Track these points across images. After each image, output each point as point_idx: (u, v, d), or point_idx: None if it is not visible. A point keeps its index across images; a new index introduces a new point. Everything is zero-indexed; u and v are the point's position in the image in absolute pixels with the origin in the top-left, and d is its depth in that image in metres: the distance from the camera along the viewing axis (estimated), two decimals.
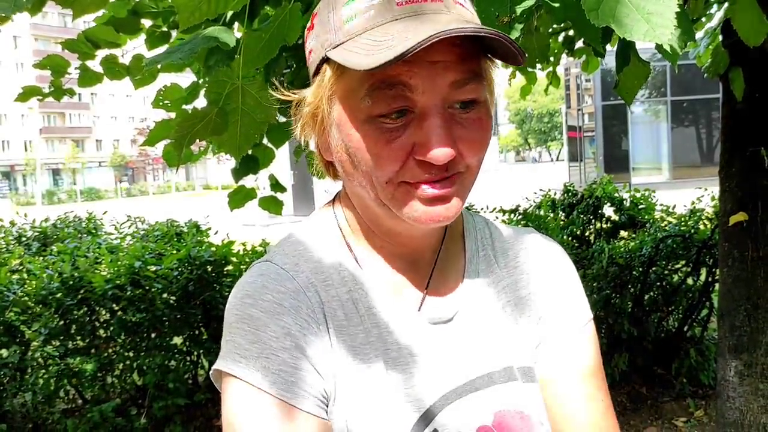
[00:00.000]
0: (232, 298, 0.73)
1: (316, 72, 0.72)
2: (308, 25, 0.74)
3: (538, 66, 3.82)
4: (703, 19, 3.80)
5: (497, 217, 4.37)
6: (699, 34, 4.17)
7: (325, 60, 0.69)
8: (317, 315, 0.72)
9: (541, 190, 4.75)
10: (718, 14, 3.84)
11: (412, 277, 0.79)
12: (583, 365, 0.82)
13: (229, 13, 1.59)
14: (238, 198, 2.31)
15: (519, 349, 0.80)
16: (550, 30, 2.87)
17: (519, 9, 0.88)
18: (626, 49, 1.14)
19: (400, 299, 0.77)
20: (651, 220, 4.19)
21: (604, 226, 4.30)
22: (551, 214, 4.31)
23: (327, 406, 0.71)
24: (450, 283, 0.80)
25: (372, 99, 0.65)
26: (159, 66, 1.83)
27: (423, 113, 0.66)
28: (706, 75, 2.50)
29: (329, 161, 0.77)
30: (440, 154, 0.65)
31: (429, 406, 0.72)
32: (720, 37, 2.47)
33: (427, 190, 0.68)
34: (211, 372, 0.73)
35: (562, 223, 4.22)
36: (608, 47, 1.61)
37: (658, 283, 3.95)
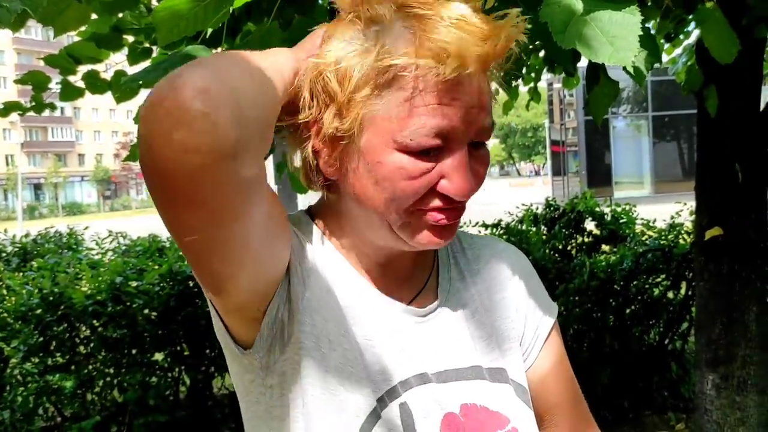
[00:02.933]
0: None
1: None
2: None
3: (520, 81, 3.87)
4: (681, 36, 3.87)
5: (479, 231, 4.39)
6: (677, 51, 4.25)
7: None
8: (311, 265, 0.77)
9: (523, 204, 4.78)
10: (695, 32, 3.91)
11: (390, 280, 0.83)
12: (560, 353, 0.92)
13: (209, 31, 1.60)
14: None
15: (489, 351, 0.84)
16: (531, 47, 2.91)
17: None
18: (595, 69, 1.17)
19: (381, 293, 0.81)
20: (632, 234, 4.23)
21: (586, 240, 4.33)
22: (533, 229, 4.34)
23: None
24: (425, 288, 0.85)
25: (416, 138, 0.68)
26: (140, 82, 1.84)
27: (453, 152, 0.71)
28: (683, 91, 2.55)
29: (329, 188, 0.79)
30: (466, 191, 0.71)
31: (403, 379, 0.76)
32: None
33: (440, 219, 0.73)
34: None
35: (544, 237, 4.25)
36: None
37: (639, 297, 3.98)
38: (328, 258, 0.80)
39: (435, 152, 0.70)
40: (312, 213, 0.85)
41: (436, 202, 0.72)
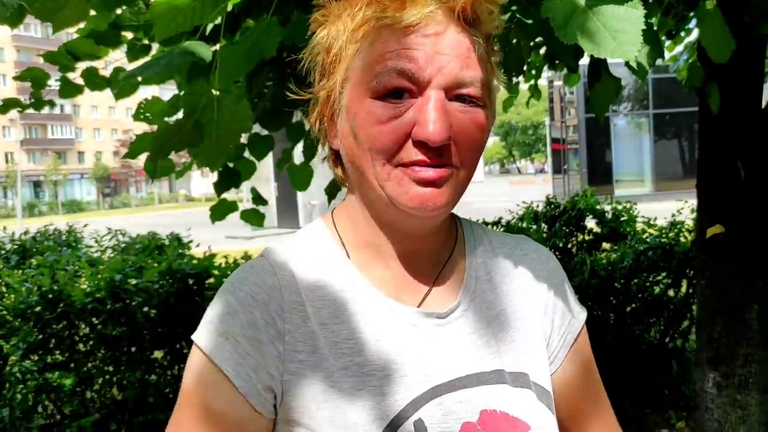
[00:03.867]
0: (223, 284, 0.79)
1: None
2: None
3: (520, 79, 3.86)
4: (683, 34, 3.86)
5: None
6: (678, 48, 4.24)
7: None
8: (289, 313, 0.76)
9: (524, 202, 4.77)
10: (697, 29, 3.88)
11: (410, 279, 0.81)
12: (588, 359, 0.91)
13: (210, 26, 1.59)
14: (220, 211, 2.31)
15: (512, 355, 0.82)
16: (531, 44, 2.90)
17: None
18: (597, 66, 1.16)
19: (398, 298, 0.79)
20: (632, 232, 4.22)
21: (587, 238, 4.32)
22: (534, 227, 4.33)
23: (273, 404, 0.75)
24: (448, 286, 0.83)
25: (380, 79, 0.71)
26: (139, 79, 1.83)
27: (425, 98, 0.71)
28: (685, 88, 2.54)
29: (338, 163, 0.83)
30: (436, 134, 0.69)
31: (417, 395, 0.74)
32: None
33: (420, 171, 0.71)
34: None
35: (544, 235, 4.24)
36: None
37: (640, 295, 3.97)
38: (337, 275, 0.79)
39: (405, 97, 0.71)
40: (333, 216, 0.86)
41: (416, 155, 0.71)
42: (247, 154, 2.30)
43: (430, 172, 0.71)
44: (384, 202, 0.75)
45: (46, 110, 2.53)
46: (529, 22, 0.92)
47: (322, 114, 0.80)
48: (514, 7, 1.00)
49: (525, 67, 3.58)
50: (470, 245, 0.87)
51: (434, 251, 0.83)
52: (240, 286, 0.77)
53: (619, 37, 0.65)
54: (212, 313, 0.76)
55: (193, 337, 0.76)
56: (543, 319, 0.87)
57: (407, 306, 0.78)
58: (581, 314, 0.91)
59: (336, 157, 0.83)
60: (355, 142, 0.75)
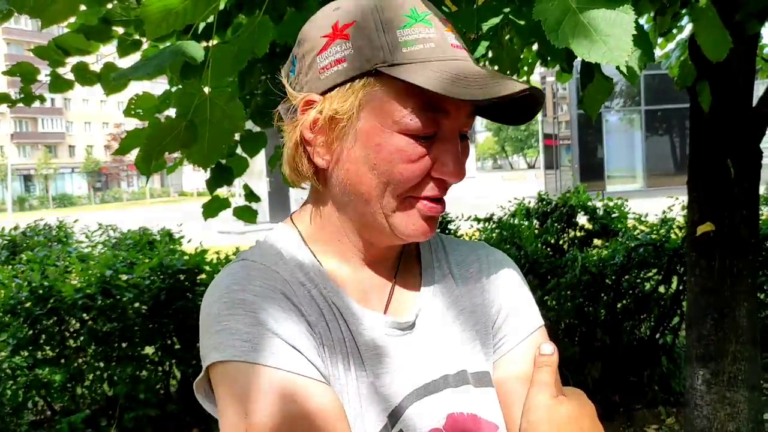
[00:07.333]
0: (214, 291, 0.73)
1: (345, 81, 0.72)
2: (327, 33, 0.74)
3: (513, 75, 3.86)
4: (675, 31, 3.87)
5: (471, 226, 4.39)
6: (670, 46, 4.25)
7: (370, 73, 0.71)
8: (303, 306, 0.74)
9: (515, 198, 4.78)
10: (689, 26, 3.90)
11: (373, 285, 0.82)
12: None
13: (202, 25, 1.58)
14: (213, 207, 2.30)
15: (473, 354, 0.82)
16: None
17: (485, 26, 0.89)
18: (590, 67, 1.17)
19: (365, 304, 0.79)
20: (623, 229, 4.23)
21: (578, 234, 4.33)
22: (525, 223, 4.34)
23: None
24: (409, 292, 0.84)
25: (415, 117, 0.71)
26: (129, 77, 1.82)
27: (446, 138, 0.73)
28: (676, 86, 2.55)
29: (316, 167, 0.78)
30: (461, 176, 0.74)
31: (395, 407, 0.75)
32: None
33: (429, 207, 0.75)
34: (198, 379, 0.75)
35: (536, 231, 4.25)
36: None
37: (631, 292, 3.99)
38: (311, 278, 0.78)
39: (431, 137, 0.72)
40: (294, 221, 0.85)
41: (429, 190, 0.74)
42: (239, 150, 2.30)
43: (438, 207, 0.76)
44: (383, 229, 0.76)
45: (36, 104, 2.51)
46: (522, 23, 0.92)
47: (313, 124, 0.75)
48: (506, 9, 1.00)
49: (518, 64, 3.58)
50: (425, 251, 0.88)
51: (394, 258, 0.85)
52: (249, 282, 0.72)
53: (609, 42, 0.65)
54: (230, 320, 0.69)
55: (225, 358, 0.69)
56: (497, 317, 0.86)
57: (375, 312, 0.79)
58: (538, 319, 0.88)
59: (315, 172, 0.79)
60: (369, 173, 0.73)
